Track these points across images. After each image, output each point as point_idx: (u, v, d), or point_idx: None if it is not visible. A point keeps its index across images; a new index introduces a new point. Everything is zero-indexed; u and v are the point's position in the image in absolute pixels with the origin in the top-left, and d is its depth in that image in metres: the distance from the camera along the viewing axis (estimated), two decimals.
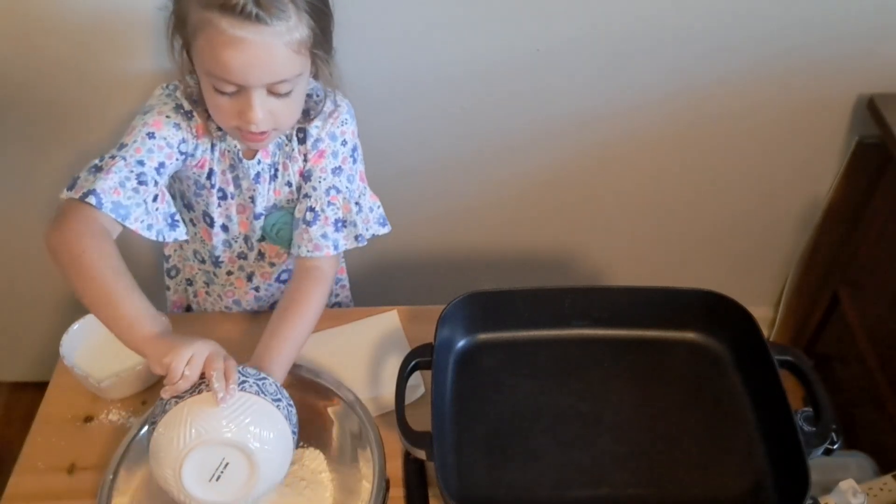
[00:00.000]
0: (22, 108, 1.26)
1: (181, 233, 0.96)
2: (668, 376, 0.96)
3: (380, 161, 1.38)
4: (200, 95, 0.95)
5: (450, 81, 1.28)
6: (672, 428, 0.91)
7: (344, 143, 1.03)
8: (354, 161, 1.05)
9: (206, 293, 1.19)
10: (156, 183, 0.92)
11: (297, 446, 0.86)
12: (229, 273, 1.13)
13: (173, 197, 1.09)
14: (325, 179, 1.01)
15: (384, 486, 0.88)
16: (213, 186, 1.03)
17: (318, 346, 1.04)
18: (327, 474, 0.92)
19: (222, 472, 0.79)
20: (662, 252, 1.63)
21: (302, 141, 1.01)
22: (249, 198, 1.04)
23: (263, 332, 0.94)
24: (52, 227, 0.86)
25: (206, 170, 1.01)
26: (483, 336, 1.00)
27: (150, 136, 0.93)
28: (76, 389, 1.01)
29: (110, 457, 0.90)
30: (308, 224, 1.01)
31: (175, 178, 1.05)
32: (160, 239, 0.93)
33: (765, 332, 1.09)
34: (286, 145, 1.01)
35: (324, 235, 1.00)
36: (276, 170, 1.03)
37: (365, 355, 1.05)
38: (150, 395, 1.01)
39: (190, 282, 1.20)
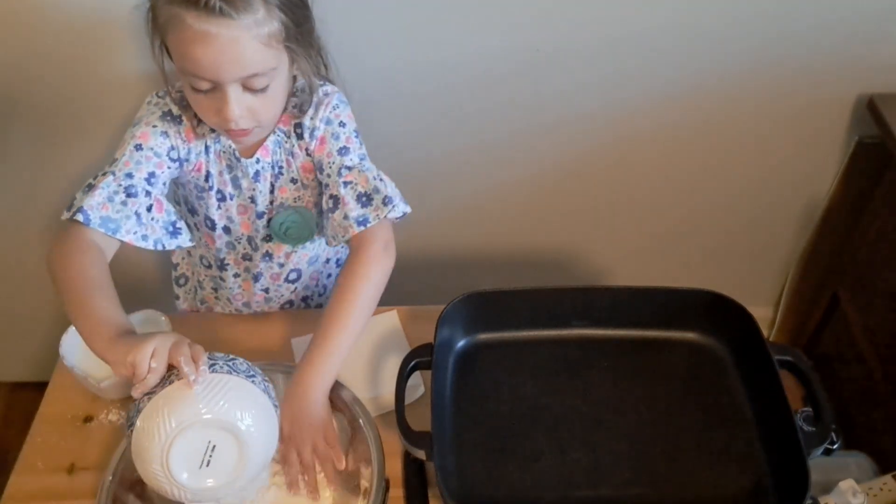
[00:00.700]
0: (27, 109, 1.26)
1: (184, 240, 0.96)
2: (668, 376, 0.96)
3: (380, 161, 1.38)
4: (187, 101, 0.95)
5: (450, 82, 1.28)
6: (672, 428, 0.91)
7: (342, 124, 1.01)
8: (360, 143, 1.03)
9: (216, 298, 1.19)
10: (147, 193, 0.93)
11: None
12: (236, 276, 1.13)
13: (177, 203, 1.09)
14: (334, 163, 1.00)
15: (384, 486, 0.88)
16: (211, 188, 1.03)
17: None
18: None
19: (211, 455, 0.77)
20: (662, 252, 1.63)
21: (300, 136, 1.01)
22: (249, 197, 1.04)
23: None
24: (52, 248, 0.89)
25: (204, 172, 1.01)
26: (483, 336, 1.00)
27: (138, 147, 0.94)
28: (76, 389, 1.01)
29: (110, 457, 0.90)
30: (332, 212, 0.99)
31: (177, 184, 1.05)
32: (159, 248, 0.94)
33: (765, 332, 1.10)
34: (286, 142, 1.01)
35: (345, 217, 0.97)
36: (280, 167, 1.02)
37: (365, 355, 1.05)
38: None
39: (199, 286, 1.20)
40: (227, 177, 1.02)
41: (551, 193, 1.48)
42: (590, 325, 1.00)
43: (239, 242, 1.10)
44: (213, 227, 1.07)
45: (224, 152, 1.00)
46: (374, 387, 1.01)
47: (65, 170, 1.33)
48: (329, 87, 1.03)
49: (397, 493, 0.89)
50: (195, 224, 1.09)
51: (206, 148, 1.00)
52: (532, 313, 0.99)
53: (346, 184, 0.98)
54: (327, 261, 1.20)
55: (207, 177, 1.01)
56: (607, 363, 0.98)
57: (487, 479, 0.87)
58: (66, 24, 1.15)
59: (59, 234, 0.90)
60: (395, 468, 0.91)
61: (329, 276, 1.23)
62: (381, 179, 0.99)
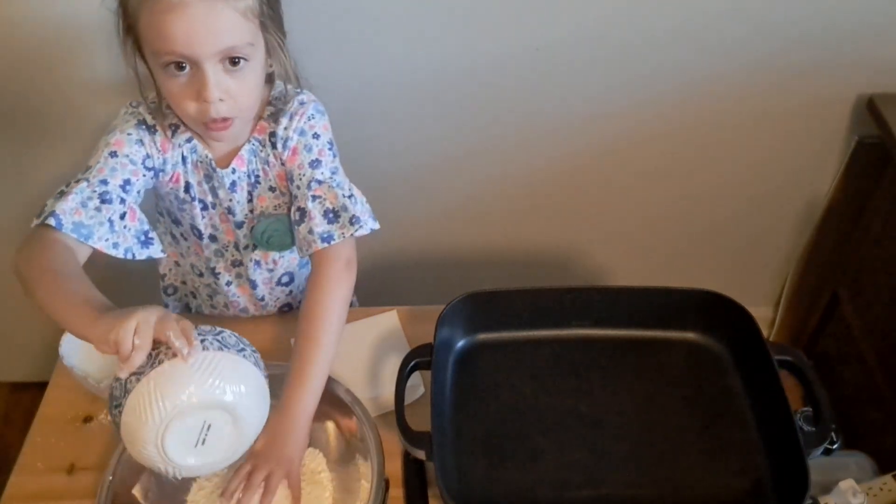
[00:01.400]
0: (18, 110, 1.26)
1: (155, 250, 0.94)
2: (668, 376, 0.96)
3: (380, 160, 1.39)
4: (161, 111, 0.94)
5: (449, 81, 1.28)
6: (672, 428, 0.91)
7: (316, 136, 0.99)
8: (334, 155, 1.01)
9: (212, 305, 1.18)
10: (122, 201, 0.91)
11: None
12: (228, 283, 1.12)
13: (160, 215, 1.08)
14: (304, 175, 0.98)
15: (383, 485, 0.88)
16: (193, 199, 1.01)
17: None
18: (326, 474, 0.92)
19: (206, 434, 0.76)
20: (662, 252, 1.63)
21: (274, 145, 0.99)
22: (227, 208, 1.02)
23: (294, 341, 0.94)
24: (18, 251, 0.86)
25: (182, 183, 1.00)
26: (483, 336, 1.00)
27: (113, 154, 0.93)
28: (76, 390, 1.01)
29: (110, 457, 0.90)
30: (298, 224, 0.98)
31: (157, 196, 1.04)
32: (129, 257, 0.91)
33: (765, 332, 1.09)
34: (261, 151, 0.99)
35: (310, 231, 0.96)
36: (257, 176, 1.01)
37: (365, 355, 1.05)
38: None
39: (194, 294, 1.20)
40: (205, 186, 1.01)
41: (551, 193, 1.48)
42: (589, 325, 1.00)
43: (227, 250, 1.09)
44: (200, 236, 1.06)
45: (201, 162, 0.99)
46: (374, 387, 1.01)
47: (59, 167, 1.33)
48: (305, 96, 1.01)
49: (397, 493, 0.89)
50: (182, 234, 1.08)
51: (183, 159, 0.98)
52: (532, 313, 0.99)
53: (314, 198, 0.97)
54: None
55: (188, 187, 1.00)
56: (607, 363, 0.98)
57: (487, 479, 0.87)
58: (34, 29, 1.14)
59: (27, 239, 0.87)
60: (395, 468, 0.91)
61: None
62: (350, 196, 0.98)
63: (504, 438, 0.90)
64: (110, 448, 0.93)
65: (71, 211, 0.87)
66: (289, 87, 1.00)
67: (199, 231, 1.05)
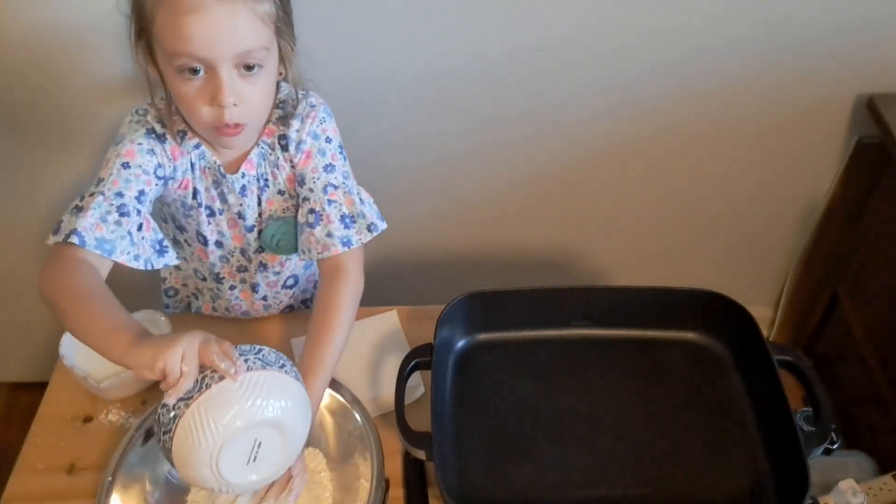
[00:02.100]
0: (25, 111, 1.26)
1: (171, 258, 0.94)
2: (668, 376, 0.97)
3: (380, 160, 1.39)
4: (170, 116, 0.94)
5: (450, 81, 1.28)
6: (672, 428, 0.91)
7: (328, 139, 1.00)
8: (345, 159, 1.02)
9: (213, 308, 1.18)
10: (138, 212, 0.91)
11: None
12: (232, 287, 1.12)
13: (164, 220, 1.08)
14: (319, 179, 0.99)
15: (383, 485, 0.88)
16: (200, 205, 1.01)
17: None
18: (327, 474, 0.92)
19: (257, 451, 0.78)
20: (662, 252, 1.63)
21: (285, 148, 0.99)
22: (237, 213, 1.02)
23: (304, 345, 0.94)
24: (42, 273, 0.85)
25: (191, 190, 0.99)
26: (483, 336, 1.00)
27: (125, 166, 0.91)
28: (76, 390, 1.01)
29: (110, 457, 0.90)
30: (311, 226, 0.98)
31: (161, 202, 1.03)
32: (148, 268, 0.91)
33: (764, 332, 1.10)
34: (270, 154, 0.99)
35: (328, 234, 0.98)
36: (266, 180, 1.01)
37: (364, 355, 1.05)
38: (149, 395, 1.01)
39: (196, 296, 1.20)
40: (213, 192, 1.01)
41: (551, 193, 1.48)
42: (589, 326, 1.00)
43: (232, 255, 1.08)
44: (205, 242, 1.05)
45: (209, 168, 0.99)
46: (374, 387, 1.01)
47: (64, 172, 1.33)
48: (314, 99, 1.01)
49: (397, 493, 0.89)
50: (185, 240, 1.08)
51: (192, 165, 0.98)
52: (532, 313, 0.99)
53: (330, 202, 0.98)
54: None
55: (195, 194, 1.00)
56: (607, 363, 0.98)
57: (487, 479, 0.87)
58: (39, 33, 1.14)
59: (50, 258, 0.87)
60: (395, 468, 0.91)
61: None
62: (362, 201, 1.00)
63: (504, 438, 0.90)
64: (110, 448, 0.93)
65: (92, 227, 0.86)
66: (296, 88, 0.99)
67: (205, 237, 1.05)
